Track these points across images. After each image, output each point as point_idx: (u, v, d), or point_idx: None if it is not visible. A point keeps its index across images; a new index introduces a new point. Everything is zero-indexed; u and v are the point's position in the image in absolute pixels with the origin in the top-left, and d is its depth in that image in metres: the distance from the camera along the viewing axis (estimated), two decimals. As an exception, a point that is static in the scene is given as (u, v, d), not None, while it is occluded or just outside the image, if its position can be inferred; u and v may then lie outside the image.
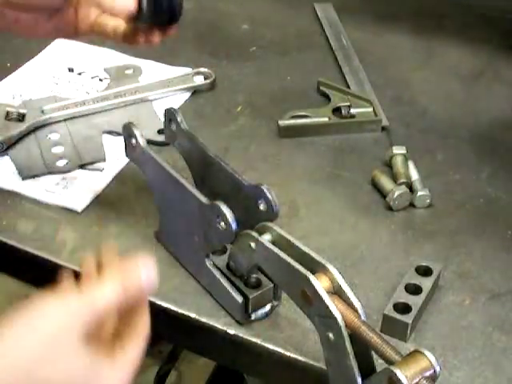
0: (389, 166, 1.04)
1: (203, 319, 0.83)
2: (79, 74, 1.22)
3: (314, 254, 0.71)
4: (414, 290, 0.83)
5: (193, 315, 0.83)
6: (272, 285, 0.81)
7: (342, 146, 1.09)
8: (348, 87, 1.20)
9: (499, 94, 1.22)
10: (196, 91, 1.20)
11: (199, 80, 1.21)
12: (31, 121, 1.07)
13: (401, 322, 0.80)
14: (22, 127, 1.06)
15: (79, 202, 0.97)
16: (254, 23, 1.39)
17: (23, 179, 1.00)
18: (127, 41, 0.91)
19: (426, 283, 0.84)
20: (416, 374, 0.62)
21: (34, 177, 1.00)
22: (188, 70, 1.23)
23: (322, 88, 1.19)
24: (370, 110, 1.14)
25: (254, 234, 0.75)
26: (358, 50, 1.30)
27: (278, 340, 0.80)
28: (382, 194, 0.99)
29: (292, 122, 1.11)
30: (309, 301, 0.69)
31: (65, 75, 1.22)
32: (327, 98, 1.17)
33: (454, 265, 0.90)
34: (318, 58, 1.30)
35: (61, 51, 1.27)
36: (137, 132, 0.87)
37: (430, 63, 1.30)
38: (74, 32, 0.93)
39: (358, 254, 0.91)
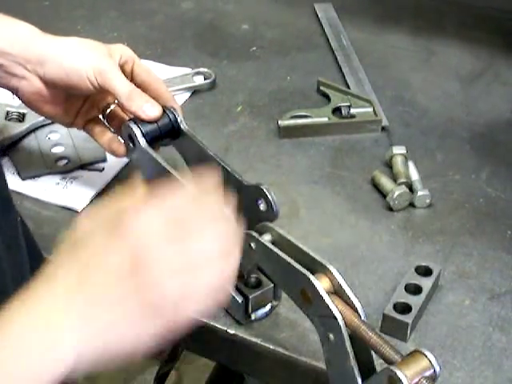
0: (389, 166, 1.04)
1: (203, 319, 0.83)
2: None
3: (314, 254, 0.71)
4: (413, 290, 0.83)
5: (193, 315, 0.83)
6: (272, 285, 0.81)
7: (342, 146, 1.09)
8: (348, 87, 1.20)
9: (499, 94, 1.22)
10: (196, 91, 1.20)
11: (199, 80, 1.21)
12: (31, 121, 1.07)
13: (401, 322, 0.80)
14: (21, 127, 1.06)
15: (79, 202, 0.97)
16: (254, 23, 1.39)
17: (23, 179, 1.00)
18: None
19: (426, 283, 0.84)
20: (416, 374, 0.62)
21: (34, 177, 1.00)
22: (188, 70, 1.23)
23: (321, 88, 1.19)
24: (370, 109, 1.13)
25: (254, 234, 0.75)
26: (357, 50, 1.30)
27: (278, 340, 0.80)
28: (382, 193, 0.99)
29: (292, 121, 1.11)
30: (309, 301, 0.69)
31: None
32: (327, 98, 1.17)
33: (453, 265, 0.90)
34: (317, 58, 1.30)
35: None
36: (137, 132, 0.86)
37: (429, 63, 1.30)
38: (70, 122, 0.95)
39: (358, 253, 0.91)
